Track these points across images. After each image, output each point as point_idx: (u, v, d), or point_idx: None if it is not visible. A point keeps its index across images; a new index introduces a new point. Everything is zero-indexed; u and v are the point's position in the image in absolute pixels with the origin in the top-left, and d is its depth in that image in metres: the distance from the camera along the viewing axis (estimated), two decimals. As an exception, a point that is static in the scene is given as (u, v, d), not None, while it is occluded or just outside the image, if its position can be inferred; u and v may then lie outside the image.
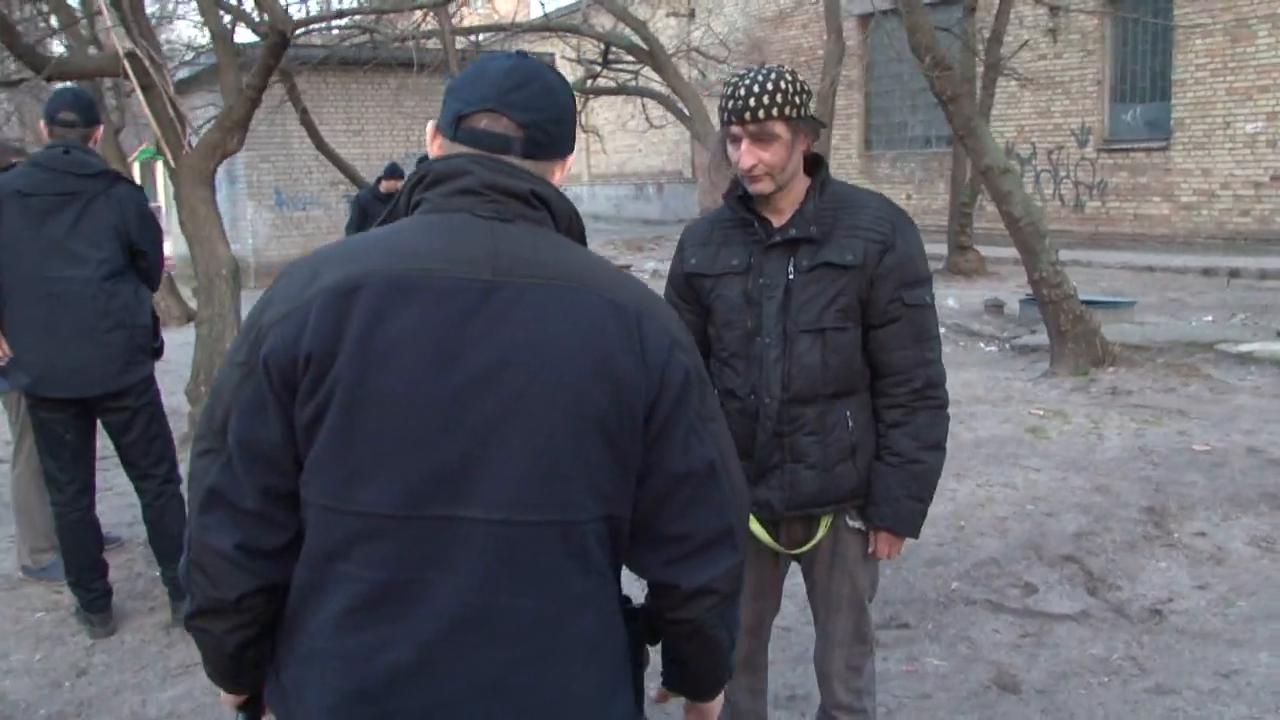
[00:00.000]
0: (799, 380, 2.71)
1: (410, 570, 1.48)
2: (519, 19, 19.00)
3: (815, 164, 2.79)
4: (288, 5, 9.05)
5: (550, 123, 1.64)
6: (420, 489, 1.47)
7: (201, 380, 7.91)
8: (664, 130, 20.44)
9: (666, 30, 20.02)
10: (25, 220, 4.33)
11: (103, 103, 12.08)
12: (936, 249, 16.22)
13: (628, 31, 16.72)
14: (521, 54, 1.70)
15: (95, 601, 4.64)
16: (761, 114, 2.58)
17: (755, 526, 2.85)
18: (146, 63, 7.85)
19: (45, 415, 4.44)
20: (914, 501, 2.78)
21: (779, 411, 2.74)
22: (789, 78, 2.62)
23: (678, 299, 2.93)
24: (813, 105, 2.71)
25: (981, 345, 10.64)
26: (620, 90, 20.11)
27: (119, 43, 7.91)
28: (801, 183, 2.75)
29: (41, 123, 4.61)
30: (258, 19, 8.82)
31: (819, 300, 2.69)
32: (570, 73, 21.37)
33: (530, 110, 1.62)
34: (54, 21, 10.86)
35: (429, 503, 1.47)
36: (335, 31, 16.23)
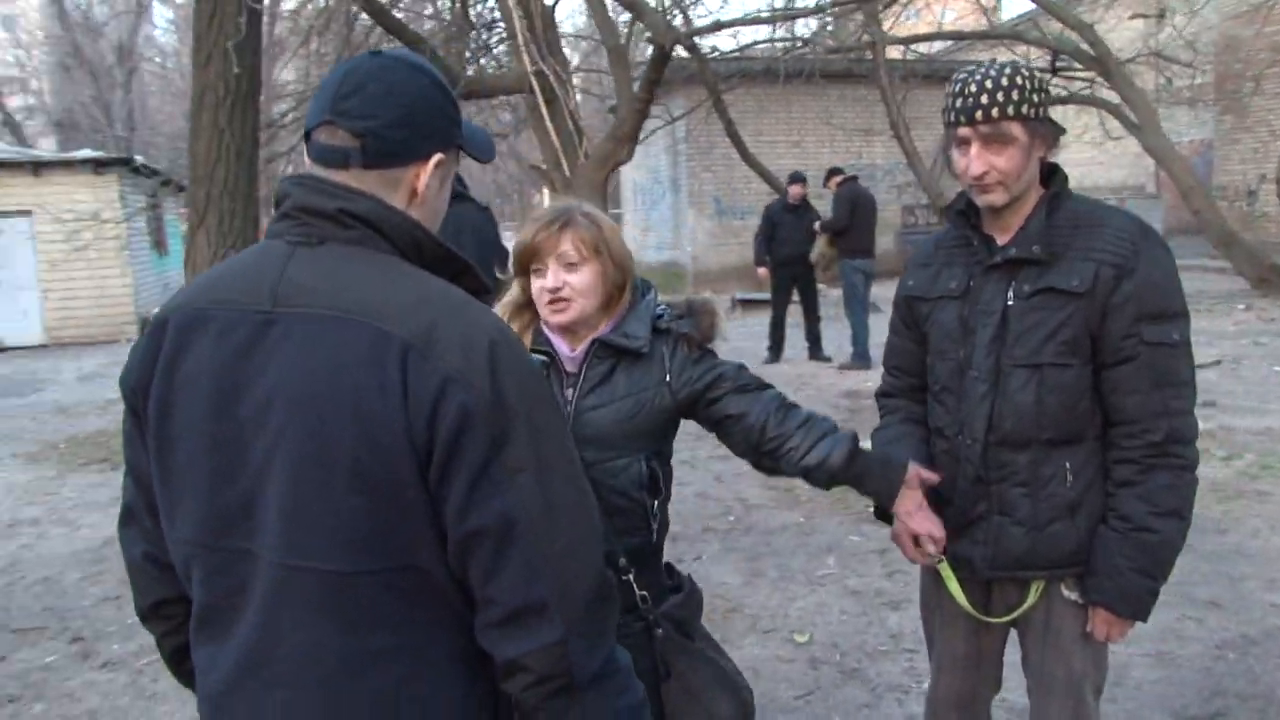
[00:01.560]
0: (1009, 421, 2.35)
1: (222, 597, 1.48)
2: (971, 27, 18.25)
3: (1052, 175, 2.41)
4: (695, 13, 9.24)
5: (394, 127, 1.50)
6: (218, 522, 1.45)
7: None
8: (1124, 142, 18.91)
9: (1126, 33, 18.48)
10: None
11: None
12: None
13: (1075, 37, 15.70)
14: (375, 53, 1.55)
15: None
16: (995, 113, 2.25)
17: (953, 586, 2.50)
18: (551, 79, 8.35)
19: None
20: (1140, 577, 2.32)
21: (982, 455, 2.39)
22: (1025, 73, 2.28)
23: (900, 323, 2.66)
24: (1048, 106, 2.32)
25: None
26: (1068, 100, 18.90)
27: (527, 62, 8.45)
28: (1035, 196, 2.39)
29: None
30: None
31: (1039, 331, 2.32)
32: (1018, 82, 20.30)
33: (366, 118, 1.48)
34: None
35: (228, 534, 1.45)
36: (776, 45, 16.48)
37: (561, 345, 2.40)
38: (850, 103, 19.28)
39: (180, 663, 1.67)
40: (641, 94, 8.24)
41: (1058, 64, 18.11)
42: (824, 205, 11.74)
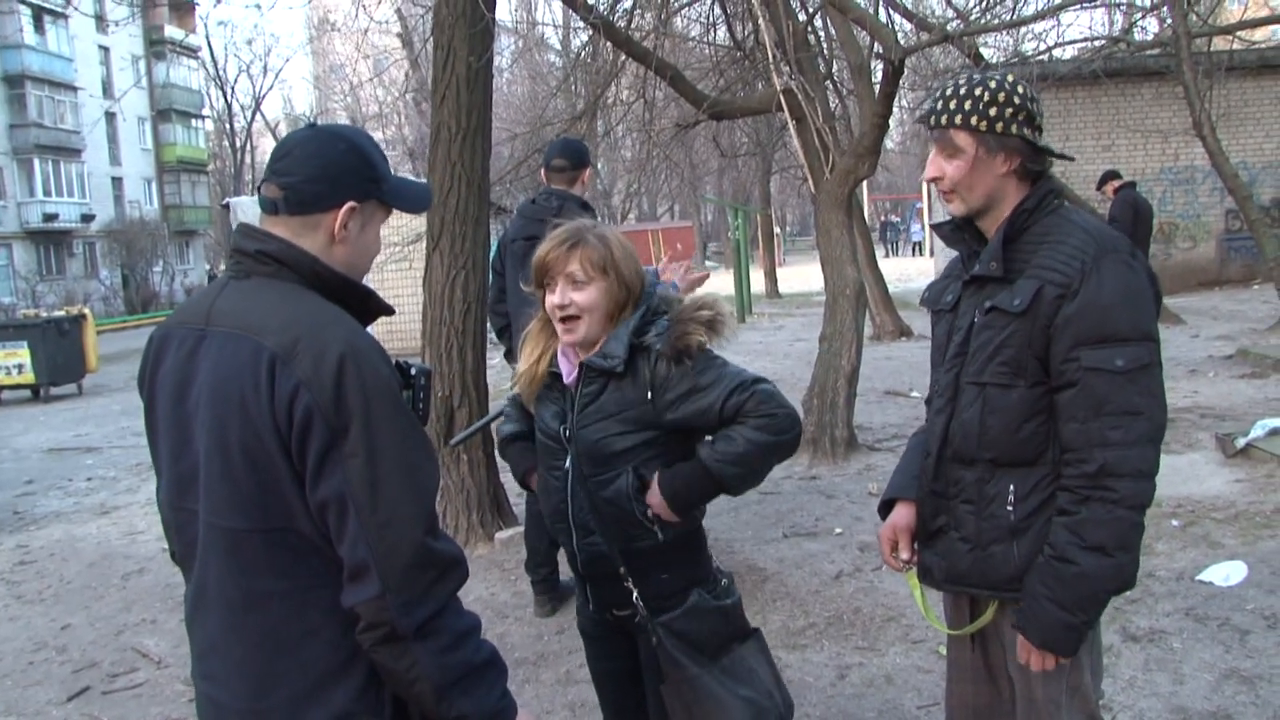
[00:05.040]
0: (958, 438, 2.42)
1: (185, 547, 1.94)
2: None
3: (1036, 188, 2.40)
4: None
5: (309, 182, 1.89)
6: (177, 487, 1.91)
7: (815, 394, 8.41)
8: None
9: None
10: (513, 264, 5.16)
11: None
12: None
13: None
14: (311, 125, 1.94)
15: (537, 584, 5.35)
16: (944, 120, 2.35)
17: (916, 595, 2.64)
18: (800, 98, 8.53)
19: None
20: (1055, 608, 2.28)
21: (935, 469, 2.49)
22: (993, 86, 2.31)
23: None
24: (1022, 123, 2.31)
25: None
26: None
27: (777, 81, 8.68)
28: (1010, 211, 2.39)
29: (541, 169, 5.30)
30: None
31: (985, 350, 2.37)
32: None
33: (287, 175, 1.90)
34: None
35: (183, 498, 1.90)
36: (1077, 45, 15.72)
37: (565, 366, 2.65)
38: (1168, 101, 18.04)
39: None
40: (879, 109, 8.26)
41: None
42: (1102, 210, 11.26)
